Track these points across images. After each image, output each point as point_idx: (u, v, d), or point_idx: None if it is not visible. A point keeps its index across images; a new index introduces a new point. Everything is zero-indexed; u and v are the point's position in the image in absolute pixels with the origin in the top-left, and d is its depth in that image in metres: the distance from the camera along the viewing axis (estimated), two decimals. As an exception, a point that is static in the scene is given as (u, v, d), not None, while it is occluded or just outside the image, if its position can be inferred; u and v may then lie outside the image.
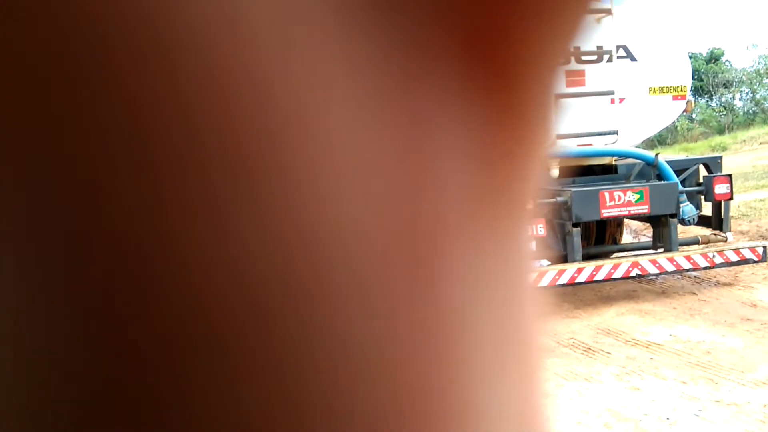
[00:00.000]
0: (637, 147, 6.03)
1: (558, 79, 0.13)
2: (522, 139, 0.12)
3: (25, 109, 0.09)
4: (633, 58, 5.88)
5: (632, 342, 4.53)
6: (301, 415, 0.10)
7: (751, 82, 30.36)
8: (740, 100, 31.06)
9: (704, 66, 30.15)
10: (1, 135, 0.09)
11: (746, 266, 5.80)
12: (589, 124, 5.65)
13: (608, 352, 4.36)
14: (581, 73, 5.74)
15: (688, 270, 5.46)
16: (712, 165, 5.97)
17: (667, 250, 5.46)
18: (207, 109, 0.09)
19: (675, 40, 6.03)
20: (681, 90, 6.04)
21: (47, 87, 0.09)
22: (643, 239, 7.16)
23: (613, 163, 6.07)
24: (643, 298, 5.58)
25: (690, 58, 6.73)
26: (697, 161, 6.14)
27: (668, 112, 6.08)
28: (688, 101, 6.22)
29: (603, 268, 5.22)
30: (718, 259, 5.40)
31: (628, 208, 5.29)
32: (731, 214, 6.02)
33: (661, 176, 5.55)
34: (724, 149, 19.50)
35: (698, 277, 6.06)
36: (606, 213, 5.25)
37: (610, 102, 5.70)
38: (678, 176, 5.62)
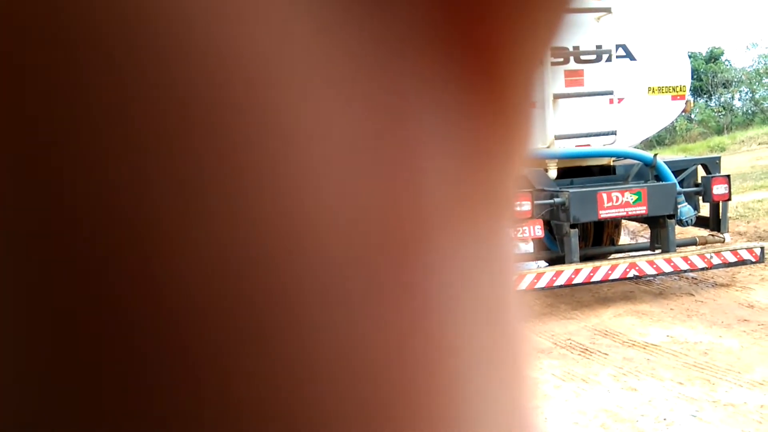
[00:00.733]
0: (636, 147, 6.02)
1: (540, 75, 0.13)
2: (504, 134, 0.12)
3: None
4: (632, 58, 5.87)
5: (629, 343, 4.52)
6: (286, 413, 0.10)
7: (750, 82, 30.39)
8: (739, 100, 31.11)
9: (703, 65, 30.15)
10: None
11: (744, 267, 5.79)
12: (587, 125, 5.64)
13: (605, 353, 4.36)
14: (580, 72, 5.73)
15: (685, 271, 5.46)
16: (711, 165, 5.97)
17: (665, 251, 5.46)
18: (200, 103, 0.09)
19: (675, 40, 6.02)
20: (680, 90, 6.04)
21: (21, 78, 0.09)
22: (641, 240, 7.17)
23: (612, 163, 6.07)
24: (641, 299, 5.58)
25: (689, 57, 6.71)
26: (695, 162, 6.14)
27: (667, 112, 6.07)
28: (687, 101, 6.20)
29: (600, 269, 5.21)
30: (716, 260, 5.40)
31: (626, 209, 5.29)
32: (729, 214, 6.04)
33: (659, 177, 5.55)
34: (723, 150, 19.52)
35: (695, 278, 6.06)
36: (604, 214, 5.24)
37: (609, 102, 5.69)
38: (676, 177, 5.62)
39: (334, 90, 0.10)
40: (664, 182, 5.46)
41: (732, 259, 5.42)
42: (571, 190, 5.22)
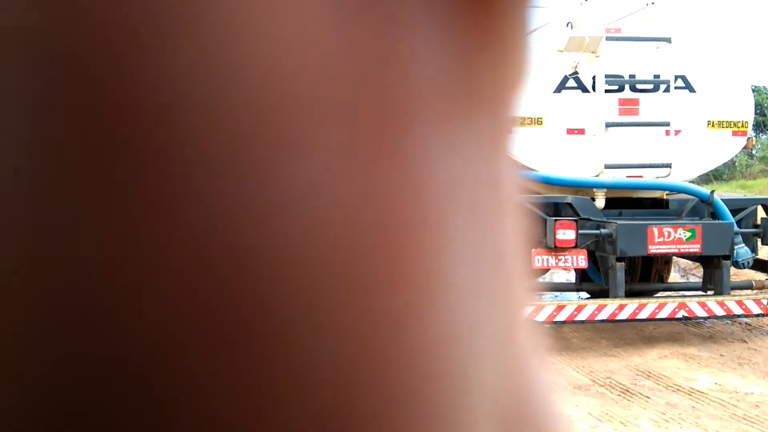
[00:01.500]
0: (691, 182, 5.80)
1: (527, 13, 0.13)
2: (498, 74, 0.12)
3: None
4: (692, 89, 5.69)
5: (674, 387, 4.31)
6: (277, 412, 0.09)
7: (817, 121, 29.11)
8: (805, 139, 29.81)
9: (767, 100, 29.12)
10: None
11: (803, 316, 5.47)
12: (641, 155, 5.48)
13: (647, 396, 4.15)
14: (635, 101, 5.58)
15: (738, 316, 5.21)
16: (772, 206, 5.70)
17: (718, 293, 5.22)
18: (204, 98, 0.09)
19: (737, 72, 5.82)
20: (742, 126, 5.81)
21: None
22: (692, 279, 6.87)
23: (665, 197, 5.88)
24: (689, 341, 5.33)
25: (753, 91, 6.45)
26: (755, 201, 5.89)
27: (727, 148, 5.84)
28: (749, 138, 5.97)
29: (647, 307, 5.02)
30: (773, 307, 5.12)
31: (678, 246, 5.08)
32: (789, 259, 5.73)
33: (715, 214, 5.33)
34: (785, 189, 18.72)
35: (750, 324, 5.76)
36: (654, 249, 5.05)
37: (665, 134, 5.52)
38: (734, 216, 5.37)
39: (322, 33, 0.09)
40: (720, 221, 5.24)
41: (791, 306, 5.14)
42: (619, 222, 5.05)
